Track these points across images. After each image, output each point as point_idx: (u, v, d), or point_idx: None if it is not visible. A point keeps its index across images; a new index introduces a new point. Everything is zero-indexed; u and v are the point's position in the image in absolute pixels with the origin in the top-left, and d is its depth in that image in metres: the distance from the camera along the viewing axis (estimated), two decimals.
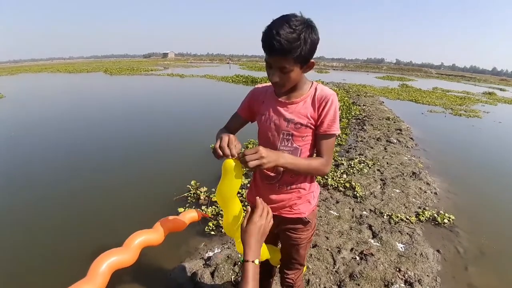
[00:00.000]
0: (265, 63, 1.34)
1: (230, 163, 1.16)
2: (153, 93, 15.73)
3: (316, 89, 1.43)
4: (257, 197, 1.18)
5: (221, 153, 1.18)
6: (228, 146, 1.18)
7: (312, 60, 1.31)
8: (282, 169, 1.50)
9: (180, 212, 3.55)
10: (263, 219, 1.07)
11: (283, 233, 1.66)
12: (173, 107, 11.31)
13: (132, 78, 23.41)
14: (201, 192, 3.93)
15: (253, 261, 1.00)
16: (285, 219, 1.58)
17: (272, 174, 1.55)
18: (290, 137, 1.45)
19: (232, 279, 2.56)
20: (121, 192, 4.30)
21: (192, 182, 4.07)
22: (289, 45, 1.19)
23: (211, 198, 3.83)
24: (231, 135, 1.23)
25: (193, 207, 3.68)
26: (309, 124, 1.42)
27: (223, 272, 2.61)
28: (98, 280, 1.17)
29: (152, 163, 5.40)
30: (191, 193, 3.96)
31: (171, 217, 1.64)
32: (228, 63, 65.05)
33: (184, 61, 73.01)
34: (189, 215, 1.75)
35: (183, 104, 12.20)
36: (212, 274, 2.62)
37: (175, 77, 23.85)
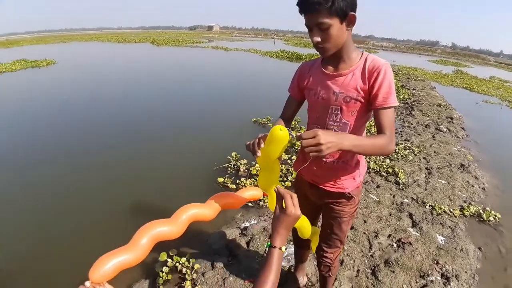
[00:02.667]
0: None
1: (277, 131, 1.13)
2: (198, 65, 15.87)
3: (366, 59, 1.34)
4: (287, 192, 1.08)
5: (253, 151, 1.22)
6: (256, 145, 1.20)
7: (352, 13, 1.21)
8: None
9: (220, 182, 3.66)
10: (297, 210, 1.04)
11: (326, 206, 1.65)
12: (217, 80, 11.38)
13: (178, 50, 23.69)
14: (241, 164, 3.98)
15: (280, 248, 1.00)
16: (329, 192, 1.56)
17: (329, 160, 1.51)
18: (339, 112, 1.40)
19: (267, 250, 2.60)
20: (164, 159, 4.46)
21: (233, 154, 4.13)
22: None
23: (251, 170, 3.87)
24: (260, 135, 1.22)
25: (232, 178, 3.75)
26: (359, 98, 1.34)
27: (258, 243, 2.67)
28: (139, 249, 1.18)
29: (196, 133, 5.54)
30: (231, 164, 4.02)
31: (227, 193, 1.57)
32: (273, 38, 63.68)
33: (229, 35, 72.61)
34: (250, 193, 1.64)
35: (227, 77, 12.23)
36: (247, 243, 2.68)
37: (220, 50, 23.84)
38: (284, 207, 1.04)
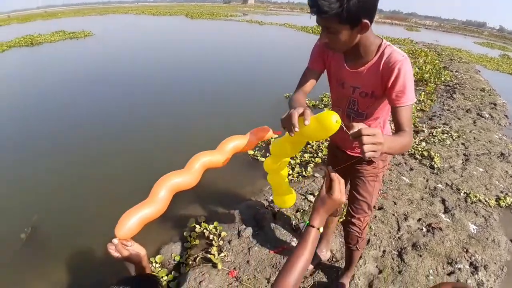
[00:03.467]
0: None
1: (331, 121, 1.07)
2: (231, 38, 15.68)
3: (383, 54, 1.28)
4: (337, 176, 1.06)
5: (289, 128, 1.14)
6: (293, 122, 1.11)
7: (365, 21, 1.14)
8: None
9: (250, 154, 3.67)
10: (343, 196, 1.04)
11: (351, 167, 1.69)
12: (251, 54, 11.23)
13: (212, 23, 23.40)
14: (272, 138, 3.95)
15: (318, 228, 1.01)
16: (351, 156, 1.66)
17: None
18: (356, 103, 1.46)
19: (293, 224, 2.63)
20: (195, 133, 4.50)
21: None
22: (325, 3, 1.08)
23: None
24: (299, 109, 1.14)
25: (262, 151, 3.76)
26: (374, 94, 1.36)
27: (285, 216, 2.69)
28: (159, 202, 1.19)
29: (229, 106, 5.55)
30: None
31: (235, 137, 1.54)
32: (309, 12, 61.38)
33: (264, 8, 70.77)
34: (259, 134, 1.60)
35: (261, 51, 12.04)
36: (274, 215, 2.71)
37: (254, 24, 23.36)
38: (331, 190, 1.04)
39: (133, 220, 1.14)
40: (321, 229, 1.03)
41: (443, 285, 1.39)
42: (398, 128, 1.28)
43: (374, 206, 2.89)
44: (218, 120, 4.81)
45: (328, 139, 1.93)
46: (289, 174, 3.33)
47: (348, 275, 2.12)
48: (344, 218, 1.90)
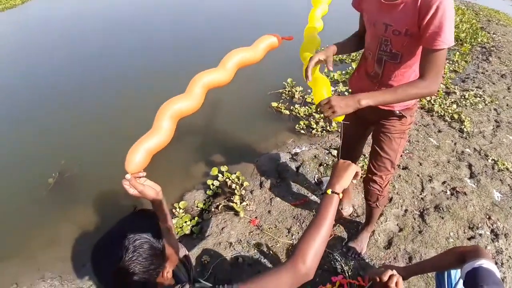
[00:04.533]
0: None
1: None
2: None
3: None
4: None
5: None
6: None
7: None
8: (380, 72, 1.46)
9: (274, 106, 3.60)
10: (359, 168, 1.10)
11: (377, 123, 1.63)
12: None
13: None
14: (296, 90, 3.86)
15: (338, 194, 1.00)
16: (379, 110, 1.53)
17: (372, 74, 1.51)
18: (389, 43, 1.35)
19: (315, 178, 2.61)
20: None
21: (289, 80, 3.99)
22: None
23: (306, 98, 3.75)
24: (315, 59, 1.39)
25: (287, 104, 3.67)
26: (408, 33, 1.25)
27: (307, 169, 2.67)
28: (163, 131, 1.15)
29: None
30: (286, 90, 3.91)
31: (239, 49, 1.39)
32: None
33: None
34: (266, 43, 1.45)
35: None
36: (297, 168, 2.70)
37: None
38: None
39: (140, 152, 1.12)
40: (341, 195, 1.02)
41: (454, 249, 1.39)
42: (420, 73, 1.24)
43: (398, 165, 2.84)
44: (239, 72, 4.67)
45: (350, 89, 1.82)
46: (312, 128, 3.27)
47: (368, 230, 2.13)
48: (364, 175, 1.86)
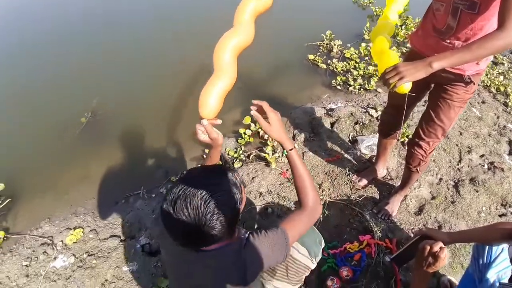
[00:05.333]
0: None
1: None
2: None
3: None
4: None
5: None
6: None
7: None
8: (455, 25, 1.28)
9: (310, 59, 3.43)
10: (276, 112, 1.18)
11: (439, 86, 1.50)
12: None
13: None
14: (334, 44, 3.64)
15: (292, 149, 1.16)
16: (446, 72, 1.39)
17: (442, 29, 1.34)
18: None
19: (350, 136, 2.53)
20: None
21: (328, 32, 3.75)
22: None
23: (344, 53, 3.55)
24: None
25: (324, 57, 3.49)
26: None
27: (343, 126, 2.59)
28: (229, 69, 1.10)
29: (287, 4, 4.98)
30: (323, 43, 3.70)
31: None
32: None
33: None
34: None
35: None
36: (331, 124, 2.62)
37: None
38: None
39: (214, 97, 1.08)
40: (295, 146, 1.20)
41: (502, 224, 1.34)
42: (498, 21, 1.08)
43: None
44: (275, 22, 4.41)
45: (410, 46, 1.67)
46: (349, 85, 3.12)
47: (401, 193, 2.08)
48: (410, 138, 1.77)
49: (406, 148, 1.80)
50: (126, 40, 3.81)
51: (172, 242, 0.93)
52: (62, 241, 1.95)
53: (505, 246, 1.33)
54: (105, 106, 2.86)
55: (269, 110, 1.14)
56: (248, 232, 1.03)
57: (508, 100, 3.43)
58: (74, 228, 1.99)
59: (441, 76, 1.41)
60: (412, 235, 2.00)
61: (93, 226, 2.03)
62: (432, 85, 1.60)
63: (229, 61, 1.09)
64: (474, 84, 1.42)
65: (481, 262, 1.35)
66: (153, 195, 2.19)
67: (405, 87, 1.19)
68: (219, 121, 1.14)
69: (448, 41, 1.34)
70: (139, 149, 2.53)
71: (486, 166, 2.59)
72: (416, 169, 1.78)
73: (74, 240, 1.92)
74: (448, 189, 2.32)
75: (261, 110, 1.15)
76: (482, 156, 2.68)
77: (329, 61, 3.42)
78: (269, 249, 1.00)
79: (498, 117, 3.19)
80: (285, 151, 1.15)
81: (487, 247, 1.34)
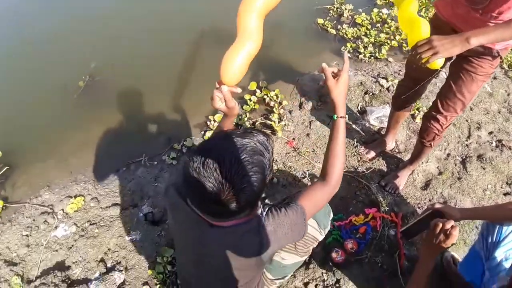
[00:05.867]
0: None
1: None
2: None
3: None
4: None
5: None
6: None
7: None
8: None
9: (319, 23, 3.26)
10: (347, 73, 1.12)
11: (463, 58, 1.39)
12: None
13: None
14: (345, 8, 3.46)
15: (343, 117, 1.10)
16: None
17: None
18: None
19: (359, 106, 2.45)
20: None
21: None
22: None
23: (355, 18, 3.38)
24: None
25: (334, 22, 3.32)
26: None
27: (352, 96, 2.51)
28: (255, 33, 1.02)
29: None
30: (334, 7, 3.51)
31: None
32: None
33: None
34: None
35: None
36: None
37: None
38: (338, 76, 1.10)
39: (238, 62, 1.00)
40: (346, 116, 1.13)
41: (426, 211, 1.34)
42: None
43: None
44: None
45: (434, 14, 1.52)
46: (360, 53, 2.99)
47: (410, 168, 2.04)
48: (427, 111, 1.70)
49: (421, 121, 1.72)
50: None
51: (188, 213, 0.87)
52: (63, 209, 1.90)
53: None
54: (103, 69, 2.72)
55: (346, 70, 1.10)
56: (267, 209, 0.97)
57: None
58: (75, 196, 1.94)
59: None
60: (417, 209, 1.99)
61: (94, 194, 1.97)
62: (454, 56, 1.50)
63: (255, 24, 1.00)
64: (500, 58, 1.35)
65: (490, 241, 1.36)
66: (155, 163, 2.13)
67: (438, 62, 1.12)
68: (239, 90, 1.08)
69: (481, 11, 1.22)
70: (140, 114, 2.43)
71: (494, 144, 2.55)
72: (430, 144, 1.74)
73: (75, 209, 1.87)
74: (456, 165, 2.28)
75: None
76: (490, 133, 2.63)
77: (339, 27, 3.25)
78: (288, 229, 0.97)
79: (508, 94, 3.11)
80: (334, 115, 1.09)
81: (497, 226, 1.34)
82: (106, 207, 1.91)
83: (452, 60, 1.53)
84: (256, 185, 0.81)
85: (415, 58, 1.11)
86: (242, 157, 0.79)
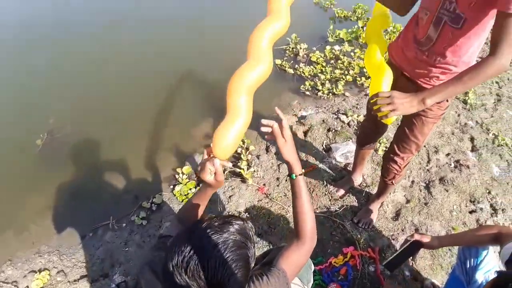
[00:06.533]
0: None
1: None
2: None
3: None
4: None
5: None
6: None
7: None
8: (435, 37, 1.25)
9: (277, 64, 3.38)
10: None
11: None
12: None
13: None
14: (300, 48, 3.63)
15: (301, 174, 1.09)
16: (421, 87, 1.37)
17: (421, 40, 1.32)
18: (454, 1, 1.13)
19: (324, 144, 2.51)
20: (213, 31, 4.07)
21: (293, 36, 3.73)
22: None
23: (310, 57, 3.55)
24: None
25: (291, 62, 3.46)
26: None
27: (316, 134, 2.57)
28: (245, 110, 1.04)
29: (247, 9, 4.89)
30: (289, 47, 3.68)
31: None
32: None
33: None
34: None
35: None
36: (304, 133, 2.59)
37: None
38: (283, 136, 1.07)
39: (231, 136, 1.01)
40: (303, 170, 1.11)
41: (487, 228, 1.38)
42: (491, 47, 1.05)
43: None
44: (238, 25, 4.33)
45: (387, 56, 1.61)
46: (318, 90, 3.11)
47: (378, 201, 2.10)
48: (385, 150, 1.78)
49: (382, 161, 1.79)
50: (83, 49, 3.53)
51: None
52: (27, 286, 1.76)
53: (490, 248, 1.37)
54: (63, 125, 2.62)
55: (288, 127, 1.08)
56: (248, 278, 0.94)
57: (467, 98, 3.60)
58: (40, 271, 1.81)
59: (418, 90, 1.40)
60: (392, 241, 2.02)
61: (60, 267, 1.84)
62: None
63: (246, 102, 1.04)
64: (447, 100, 1.41)
65: (468, 265, 1.39)
66: (124, 225, 2.03)
67: (392, 119, 1.18)
68: (230, 164, 1.11)
69: (427, 53, 1.31)
70: (104, 172, 2.34)
71: (452, 165, 2.68)
72: (392, 182, 1.81)
73: (41, 285, 1.73)
74: (421, 191, 2.37)
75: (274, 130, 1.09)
76: (448, 154, 2.78)
77: (296, 66, 3.39)
78: None
79: (459, 115, 3.34)
80: (293, 174, 1.07)
81: (473, 250, 1.37)
82: (74, 281, 1.78)
83: None
84: (242, 279, 0.78)
85: (372, 107, 1.15)
86: (226, 256, 0.75)
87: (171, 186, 2.20)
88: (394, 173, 1.73)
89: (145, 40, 3.65)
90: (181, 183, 2.15)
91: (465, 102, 3.53)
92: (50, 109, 2.76)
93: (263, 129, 1.08)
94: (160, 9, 4.30)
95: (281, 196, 2.11)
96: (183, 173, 2.20)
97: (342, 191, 2.18)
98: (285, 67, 3.36)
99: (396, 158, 1.65)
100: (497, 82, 4.22)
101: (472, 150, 2.96)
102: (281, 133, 1.06)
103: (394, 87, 1.51)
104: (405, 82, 1.45)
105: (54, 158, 2.43)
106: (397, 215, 2.18)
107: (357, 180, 2.25)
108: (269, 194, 2.11)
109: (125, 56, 3.39)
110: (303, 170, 1.09)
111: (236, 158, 2.36)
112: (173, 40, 3.71)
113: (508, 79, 4.44)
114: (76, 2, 4.40)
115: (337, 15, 4.56)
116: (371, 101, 1.16)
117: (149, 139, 2.55)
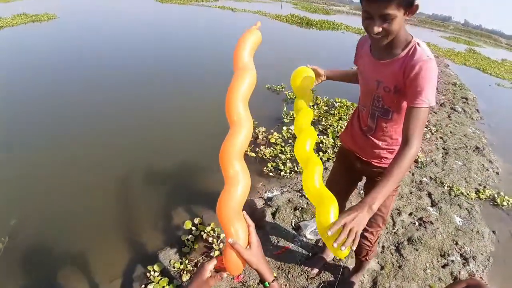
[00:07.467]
0: (361, 14, 1.22)
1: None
2: (205, 24, 15.19)
3: (410, 50, 1.25)
4: (243, 211, 1.05)
5: None
6: None
7: (416, 3, 1.14)
8: (374, 126, 1.50)
9: None
10: (258, 241, 1.02)
11: (372, 180, 1.64)
12: (224, 42, 10.90)
13: (183, 8, 22.20)
14: (259, 131, 3.89)
15: (273, 280, 0.99)
16: (375, 166, 1.57)
17: (365, 128, 1.54)
18: (381, 99, 1.40)
19: (293, 223, 2.59)
20: (171, 127, 4.30)
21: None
22: None
23: (269, 139, 3.79)
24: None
25: (252, 145, 3.68)
26: (397, 89, 1.31)
27: (284, 215, 2.65)
28: (241, 179, 1.04)
29: (203, 99, 5.19)
30: None
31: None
32: (281, 1, 60.49)
33: None
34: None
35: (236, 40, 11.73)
36: (273, 215, 2.66)
37: (227, 10, 22.66)
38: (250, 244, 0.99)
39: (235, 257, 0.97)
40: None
41: (458, 284, 1.44)
42: (403, 136, 1.20)
43: None
44: (194, 114, 4.62)
45: (340, 145, 1.82)
46: (280, 170, 3.29)
47: (357, 276, 2.13)
48: None
49: None
50: (48, 150, 3.49)
51: None
52: None
53: None
54: (26, 228, 2.50)
55: (254, 234, 1.01)
56: None
57: (417, 157, 3.90)
58: None
59: (372, 171, 1.59)
60: None
61: None
62: (364, 178, 1.77)
63: (240, 171, 1.05)
64: None
65: None
66: None
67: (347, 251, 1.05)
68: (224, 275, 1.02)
69: (372, 138, 1.52)
70: (72, 275, 2.19)
71: (417, 223, 2.82)
72: (366, 259, 1.88)
73: None
74: (392, 255, 2.44)
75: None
76: (410, 214, 2.92)
77: (257, 149, 3.60)
78: None
79: (413, 174, 3.58)
80: (266, 283, 0.98)
81: None
82: None
83: (364, 182, 1.79)
84: None
85: (329, 245, 1.04)
86: None
87: (143, 286, 2.13)
88: (367, 250, 1.80)
89: (106, 137, 3.76)
90: (153, 282, 2.10)
91: (416, 161, 3.81)
92: (12, 210, 2.65)
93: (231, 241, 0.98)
94: (105, 104, 4.52)
95: (257, 283, 2.10)
96: (154, 271, 2.16)
97: (316, 270, 2.20)
98: (247, 151, 3.56)
99: (366, 234, 1.73)
100: (441, 137, 4.62)
101: (432, 205, 3.13)
102: (247, 240, 0.99)
103: (345, 165, 1.76)
104: (360, 164, 1.63)
105: (16, 265, 2.23)
106: (374, 284, 2.20)
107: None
108: (246, 282, 2.09)
109: (87, 155, 3.43)
110: (275, 275, 1.04)
111: (208, 247, 2.37)
112: (128, 135, 3.85)
113: (450, 132, 4.90)
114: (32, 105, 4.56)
115: (288, 97, 5.01)
116: (324, 237, 1.07)
117: (116, 238, 2.50)
